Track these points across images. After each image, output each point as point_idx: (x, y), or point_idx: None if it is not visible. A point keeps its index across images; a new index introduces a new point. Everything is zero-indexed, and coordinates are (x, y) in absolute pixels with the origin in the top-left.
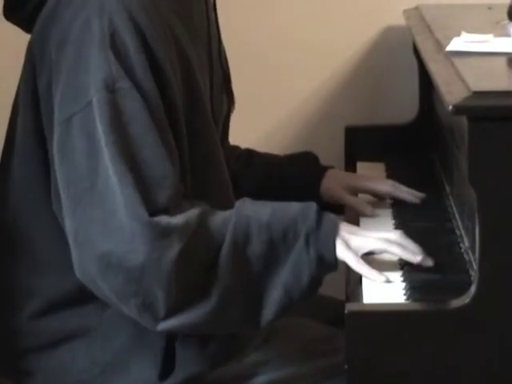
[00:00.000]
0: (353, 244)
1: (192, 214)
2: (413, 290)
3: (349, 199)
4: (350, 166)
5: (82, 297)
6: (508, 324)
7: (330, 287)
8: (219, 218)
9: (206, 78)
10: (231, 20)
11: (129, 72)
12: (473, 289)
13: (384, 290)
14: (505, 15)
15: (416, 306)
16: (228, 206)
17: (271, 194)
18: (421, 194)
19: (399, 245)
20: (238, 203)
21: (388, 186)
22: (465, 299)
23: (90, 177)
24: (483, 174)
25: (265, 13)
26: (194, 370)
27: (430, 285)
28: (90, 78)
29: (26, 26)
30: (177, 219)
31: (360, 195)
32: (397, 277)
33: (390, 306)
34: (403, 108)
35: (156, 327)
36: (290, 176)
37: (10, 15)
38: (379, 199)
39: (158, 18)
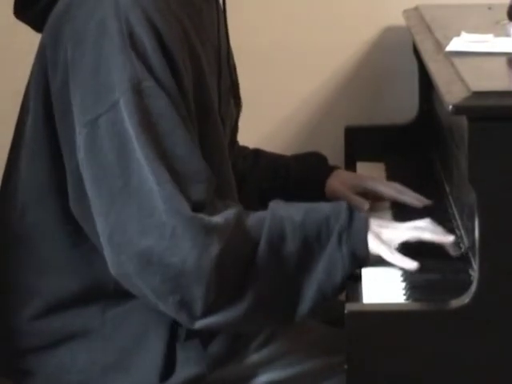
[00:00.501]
0: (385, 237)
1: (229, 213)
2: (413, 289)
3: (353, 198)
4: (350, 166)
5: (84, 298)
6: (508, 324)
7: None
8: (255, 218)
9: (214, 81)
10: (231, 20)
11: (151, 71)
12: (473, 289)
13: (384, 290)
14: (505, 15)
15: (416, 306)
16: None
17: (277, 194)
18: (426, 201)
19: (430, 230)
20: (272, 204)
21: (392, 190)
22: (465, 299)
23: (123, 176)
24: (483, 174)
25: (265, 13)
26: (194, 370)
27: (430, 285)
28: (113, 79)
29: (37, 25)
30: (217, 218)
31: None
32: (397, 277)
33: (390, 306)
34: (403, 108)
35: (193, 325)
36: (295, 176)
37: (20, 14)
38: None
39: (172, 18)
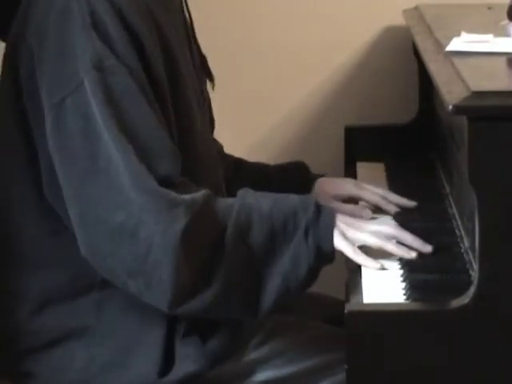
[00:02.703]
0: (349, 235)
1: (198, 194)
2: (413, 289)
3: (341, 209)
4: (350, 166)
5: (74, 291)
6: (508, 324)
7: (330, 287)
8: (223, 203)
9: (186, 54)
10: (231, 20)
11: (112, 49)
12: (473, 289)
13: (384, 290)
14: (505, 15)
15: (416, 306)
16: (215, 183)
17: None
18: (411, 203)
19: (395, 239)
20: (240, 192)
21: (377, 197)
22: (465, 299)
23: (90, 157)
24: (483, 174)
25: (265, 13)
26: (193, 367)
27: (430, 285)
28: (77, 60)
29: (2, 34)
30: (184, 196)
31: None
32: (397, 277)
33: (390, 306)
34: (403, 108)
35: (163, 308)
36: (277, 186)
37: None
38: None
39: None
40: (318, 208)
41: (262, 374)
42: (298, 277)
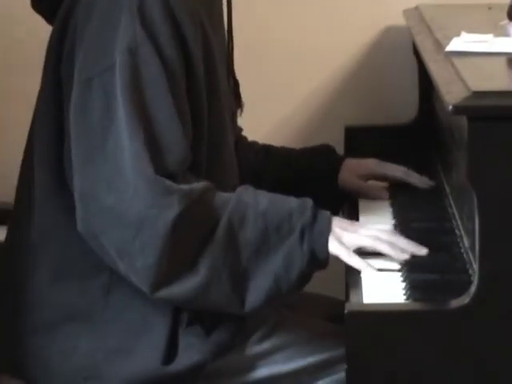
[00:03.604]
0: (344, 240)
1: (196, 185)
2: (413, 289)
3: (370, 189)
4: None
5: (88, 269)
6: (508, 324)
7: (330, 287)
8: (220, 197)
9: (223, 70)
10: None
11: (152, 38)
12: (473, 289)
13: (384, 290)
14: (505, 15)
15: (416, 306)
16: (233, 186)
17: (290, 188)
18: (431, 182)
19: (389, 243)
20: (240, 189)
21: (400, 172)
22: (465, 299)
23: (103, 134)
24: (483, 174)
25: (265, 13)
26: (196, 357)
27: (430, 285)
28: (116, 41)
29: (50, 17)
30: (182, 185)
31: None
32: (397, 277)
33: (390, 306)
34: (403, 108)
35: (149, 292)
36: (304, 169)
37: (36, 5)
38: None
39: None
40: (315, 212)
41: (265, 370)
42: (290, 279)
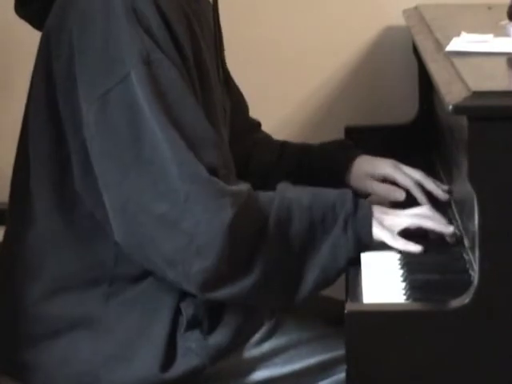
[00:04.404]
0: (387, 223)
1: (243, 186)
2: (413, 289)
3: (375, 188)
4: None
5: (87, 280)
6: (508, 324)
7: (330, 287)
8: (264, 196)
9: (213, 66)
10: (230, 19)
11: (157, 43)
12: (473, 289)
13: (384, 290)
14: (505, 15)
15: (416, 306)
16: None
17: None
18: (445, 196)
19: (430, 218)
20: (280, 186)
21: (409, 183)
22: (465, 299)
23: (135, 147)
24: (483, 174)
25: (264, 12)
26: (195, 362)
27: (430, 285)
28: (123, 53)
29: (37, 22)
30: (231, 186)
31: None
32: (397, 277)
33: (390, 306)
34: (403, 108)
35: (202, 295)
36: (318, 164)
37: (20, 10)
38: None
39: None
40: (356, 201)
41: (263, 372)
42: (337, 267)
